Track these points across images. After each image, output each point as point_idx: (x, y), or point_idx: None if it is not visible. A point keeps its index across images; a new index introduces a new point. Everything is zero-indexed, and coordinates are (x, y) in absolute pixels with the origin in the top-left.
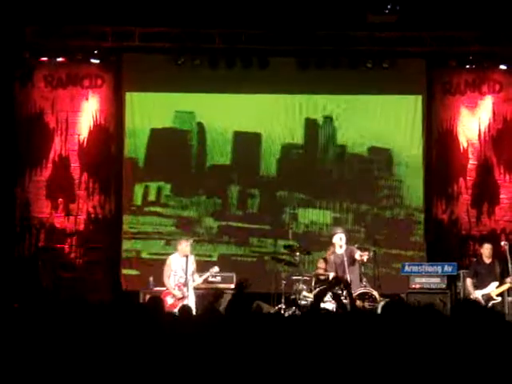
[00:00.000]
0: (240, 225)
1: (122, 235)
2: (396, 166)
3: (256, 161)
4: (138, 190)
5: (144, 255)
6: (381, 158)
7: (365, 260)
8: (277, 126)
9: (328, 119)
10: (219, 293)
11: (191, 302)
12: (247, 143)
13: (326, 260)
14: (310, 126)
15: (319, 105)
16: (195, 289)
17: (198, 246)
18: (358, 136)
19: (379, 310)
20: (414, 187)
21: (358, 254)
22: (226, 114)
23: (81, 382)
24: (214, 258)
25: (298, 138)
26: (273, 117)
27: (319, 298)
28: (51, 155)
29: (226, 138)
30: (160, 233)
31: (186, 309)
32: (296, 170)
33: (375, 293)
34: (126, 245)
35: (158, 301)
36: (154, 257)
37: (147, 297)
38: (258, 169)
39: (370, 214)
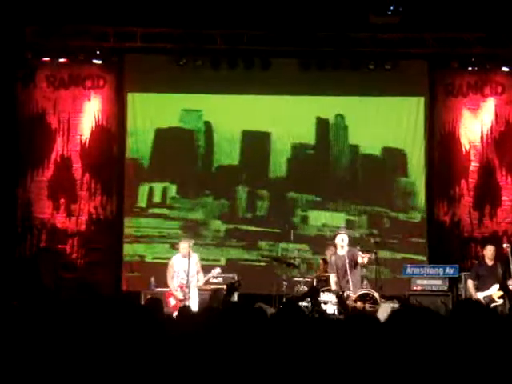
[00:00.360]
0: (248, 228)
1: (124, 239)
2: (409, 167)
3: (265, 161)
4: (143, 191)
5: (148, 259)
6: (394, 159)
7: (365, 262)
8: (286, 126)
9: (339, 117)
10: (218, 290)
11: (194, 302)
12: (256, 143)
13: (326, 261)
14: (321, 125)
15: (321, 106)
16: (199, 290)
17: (205, 250)
18: (364, 137)
19: (380, 313)
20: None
21: (360, 257)
22: (233, 114)
23: (80, 381)
24: (222, 263)
25: (309, 137)
26: (282, 116)
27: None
28: (53, 156)
29: (234, 137)
30: (165, 236)
31: (185, 310)
32: (307, 171)
33: (376, 294)
34: (128, 249)
35: (156, 302)
36: (159, 261)
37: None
38: (268, 169)
39: (385, 217)
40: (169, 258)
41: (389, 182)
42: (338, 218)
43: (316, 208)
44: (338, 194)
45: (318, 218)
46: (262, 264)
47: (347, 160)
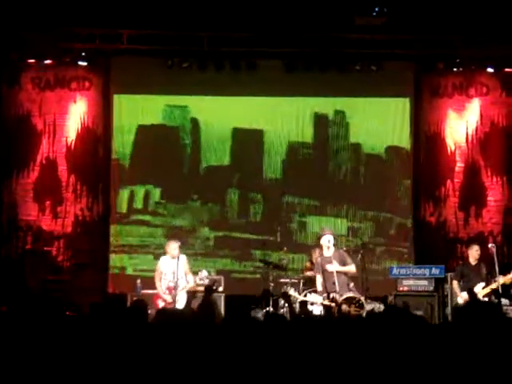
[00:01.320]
0: (241, 235)
1: (110, 247)
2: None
3: (258, 161)
4: (123, 195)
5: (129, 272)
6: (399, 159)
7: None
8: (280, 123)
9: (340, 114)
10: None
11: (181, 305)
12: (248, 141)
13: (312, 262)
14: (320, 122)
15: (307, 106)
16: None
17: (192, 260)
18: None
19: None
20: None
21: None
22: (223, 111)
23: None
24: (211, 275)
25: (306, 135)
26: (275, 113)
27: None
28: (39, 158)
29: (224, 135)
30: (148, 245)
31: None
32: (304, 172)
33: (362, 298)
34: (115, 260)
35: (141, 305)
36: (141, 273)
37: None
38: (261, 170)
39: (392, 223)
40: (152, 270)
41: (393, 184)
42: (339, 225)
43: (315, 213)
44: (340, 197)
45: (317, 225)
46: (257, 276)
47: (348, 160)
